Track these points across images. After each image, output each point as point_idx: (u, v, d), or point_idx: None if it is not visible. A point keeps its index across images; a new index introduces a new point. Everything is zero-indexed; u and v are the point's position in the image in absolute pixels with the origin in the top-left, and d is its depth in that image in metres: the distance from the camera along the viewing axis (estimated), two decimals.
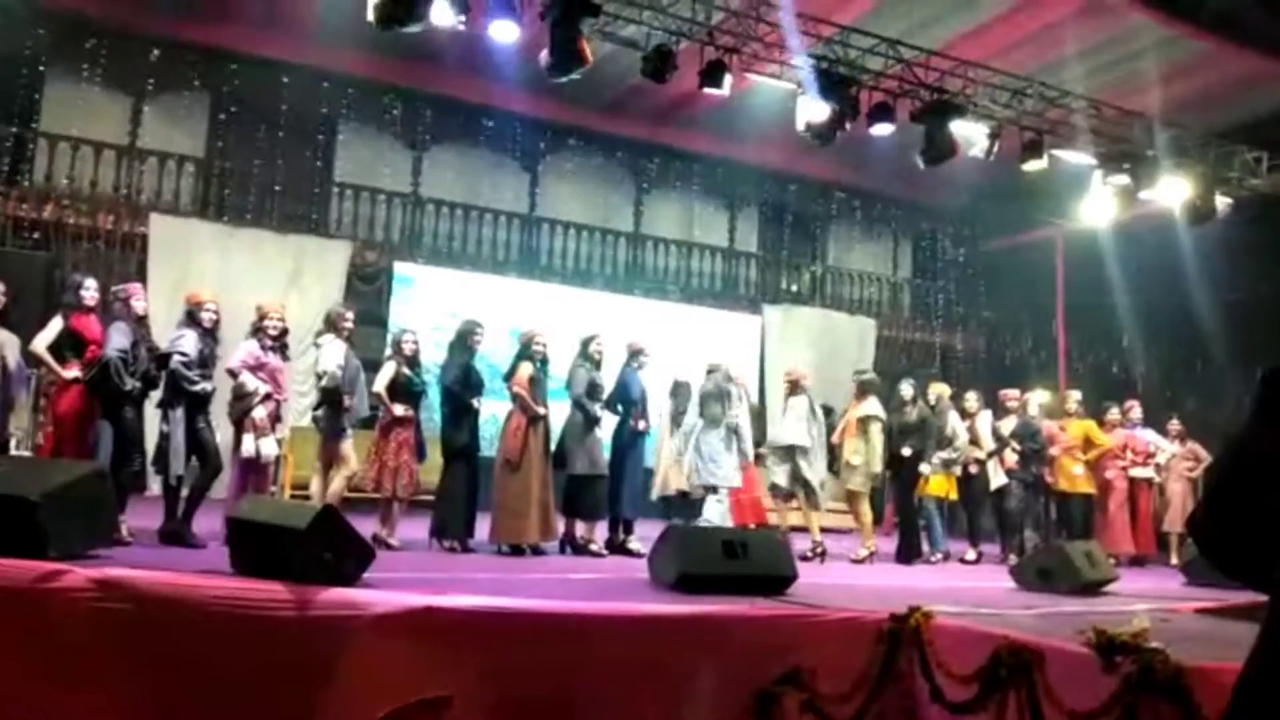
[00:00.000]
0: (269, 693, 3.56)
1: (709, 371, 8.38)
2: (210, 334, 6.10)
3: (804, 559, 6.89)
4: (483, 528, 7.00)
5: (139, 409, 5.89)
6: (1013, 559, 8.15)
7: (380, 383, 7.00)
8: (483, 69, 11.00)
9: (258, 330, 6.44)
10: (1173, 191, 11.14)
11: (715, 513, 8.01)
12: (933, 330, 16.33)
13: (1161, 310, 13.12)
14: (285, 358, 6.60)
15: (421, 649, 3.65)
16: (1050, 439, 9.24)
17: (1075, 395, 10.08)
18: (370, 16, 7.51)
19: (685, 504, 8.84)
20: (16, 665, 3.44)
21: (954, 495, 9.04)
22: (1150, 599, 5.90)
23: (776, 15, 9.31)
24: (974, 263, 16.86)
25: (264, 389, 6.29)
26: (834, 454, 8.56)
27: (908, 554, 8.42)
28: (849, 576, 6.94)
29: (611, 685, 3.86)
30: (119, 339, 5.70)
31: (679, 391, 9.02)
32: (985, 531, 9.22)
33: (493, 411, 8.38)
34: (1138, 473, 9.83)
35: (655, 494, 9.12)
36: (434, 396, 7.69)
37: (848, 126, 9.58)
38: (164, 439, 5.88)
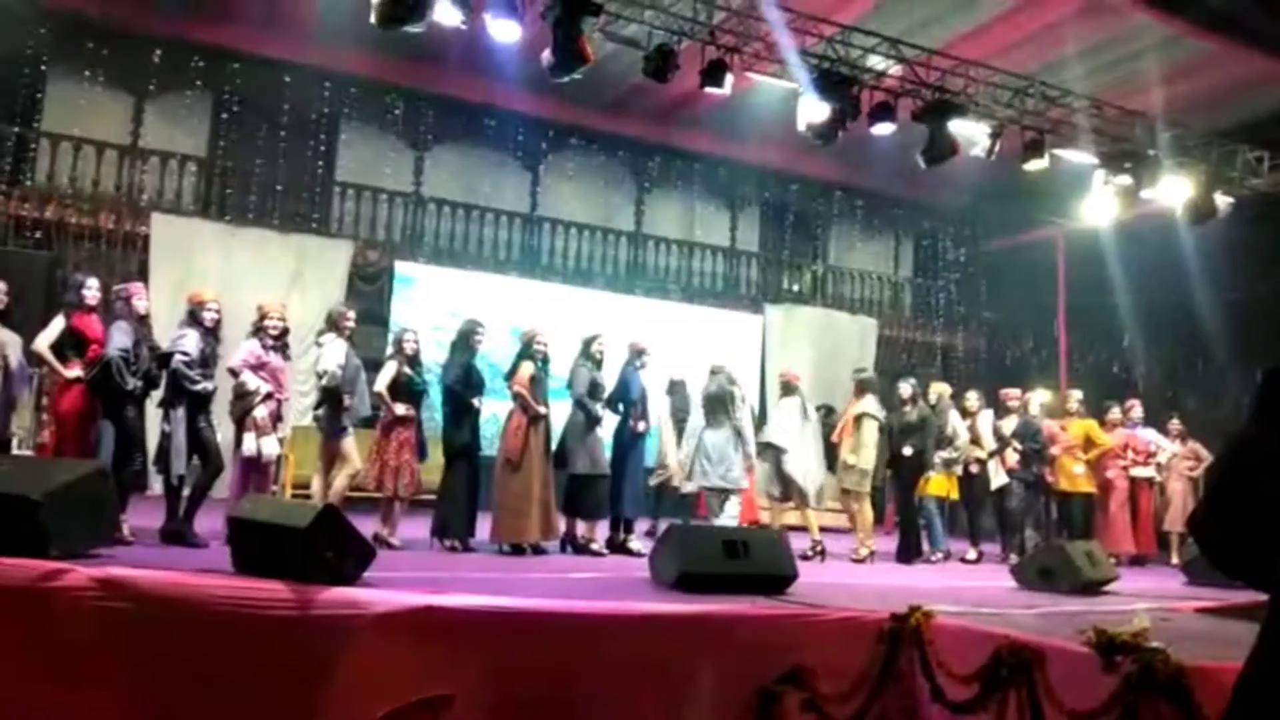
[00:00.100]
0: (270, 692, 3.57)
1: (712, 373, 8.38)
2: (212, 333, 6.10)
3: (804, 558, 6.90)
4: (484, 527, 7.00)
5: (140, 408, 5.89)
6: (1013, 558, 8.15)
7: (382, 382, 7.00)
8: (484, 68, 11.00)
9: (259, 330, 6.45)
10: (1174, 191, 11.14)
11: (732, 515, 8.04)
12: (934, 330, 16.33)
13: (1163, 310, 13.11)
14: (286, 357, 6.60)
15: (422, 648, 3.66)
16: (1051, 438, 9.24)
17: (1076, 395, 10.08)
18: (372, 16, 7.51)
19: (679, 500, 8.90)
20: (17, 664, 3.45)
21: (955, 495, 9.04)
22: (1151, 598, 5.90)
23: (775, 15, 9.31)
24: (975, 262, 16.86)
25: (265, 388, 6.29)
26: (834, 453, 8.58)
27: (908, 553, 8.42)
28: (849, 576, 6.94)
29: (612, 684, 3.86)
30: (121, 338, 5.71)
31: (675, 390, 9.03)
32: (986, 531, 9.22)
33: (494, 411, 8.39)
34: (1138, 472, 9.83)
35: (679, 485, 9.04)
36: (435, 396, 7.70)
37: (849, 126, 9.58)
38: (165, 438, 5.89)
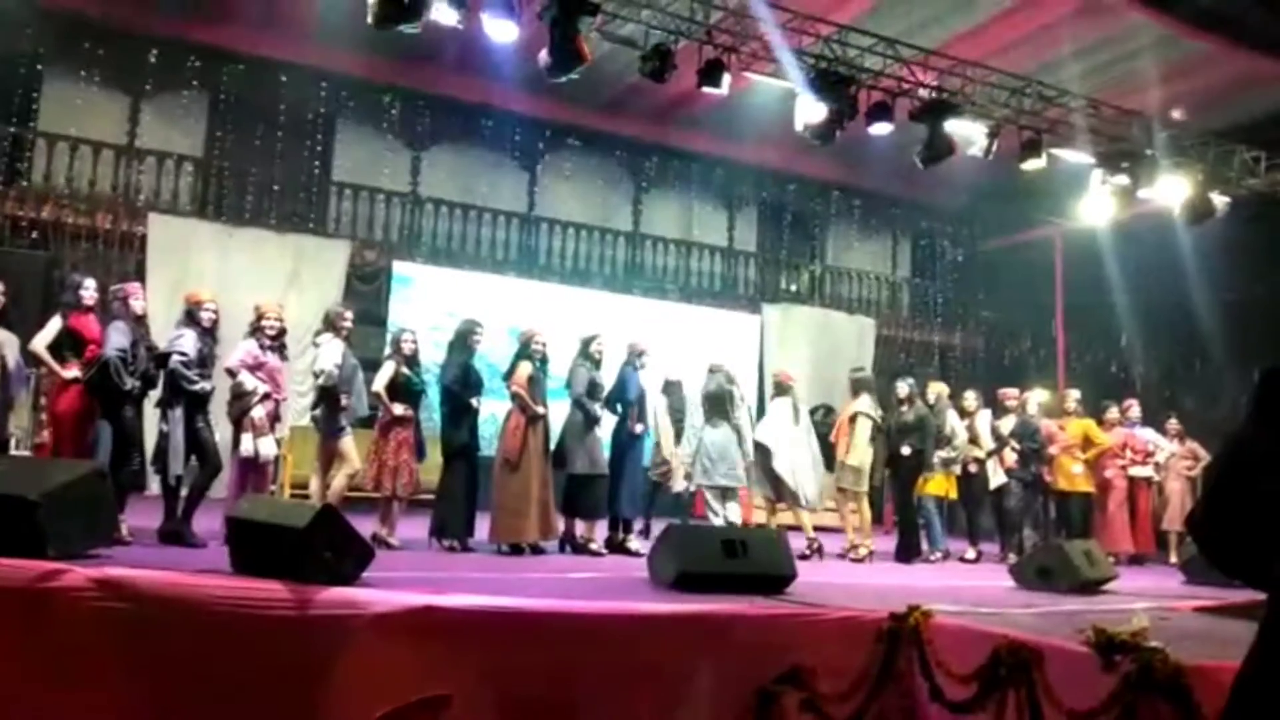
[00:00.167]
0: (269, 692, 3.56)
1: (710, 371, 8.40)
2: (209, 333, 6.10)
3: (802, 557, 6.90)
4: (482, 527, 7.00)
5: (138, 408, 5.89)
6: (1012, 558, 8.16)
7: (379, 382, 7.00)
8: (481, 68, 11.00)
9: (256, 330, 6.44)
10: (1171, 191, 11.15)
11: (735, 513, 8.07)
12: (932, 329, 16.34)
13: (1160, 309, 13.13)
14: (284, 357, 6.60)
15: (421, 648, 3.66)
16: (1049, 438, 9.25)
17: (1074, 394, 10.09)
18: (369, 16, 7.51)
19: (674, 499, 8.93)
20: (16, 665, 3.44)
21: (953, 494, 9.04)
22: (1149, 598, 5.90)
23: (772, 15, 9.31)
24: (973, 262, 16.88)
25: (262, 388, 6.29)
26: (833, 453, 8.59)
27: (907, 553, 8.43)
28: (848, 576, 6.95)
29: (611, 684, 3.86)
30: (118, 338, 5.70)
31: (671, 390, 9.03)
32: (984, 530, 9.22)
33: (492, 411, 8.39)
34: (1137, 471, 9.83)
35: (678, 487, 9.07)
36: (433, 396, 7.69)
37: (846, 126, 9.58)
38: (163, 438, 5.88)
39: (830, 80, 9.39)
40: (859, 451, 8.21)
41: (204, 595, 3.68)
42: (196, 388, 5.91)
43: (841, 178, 15.31)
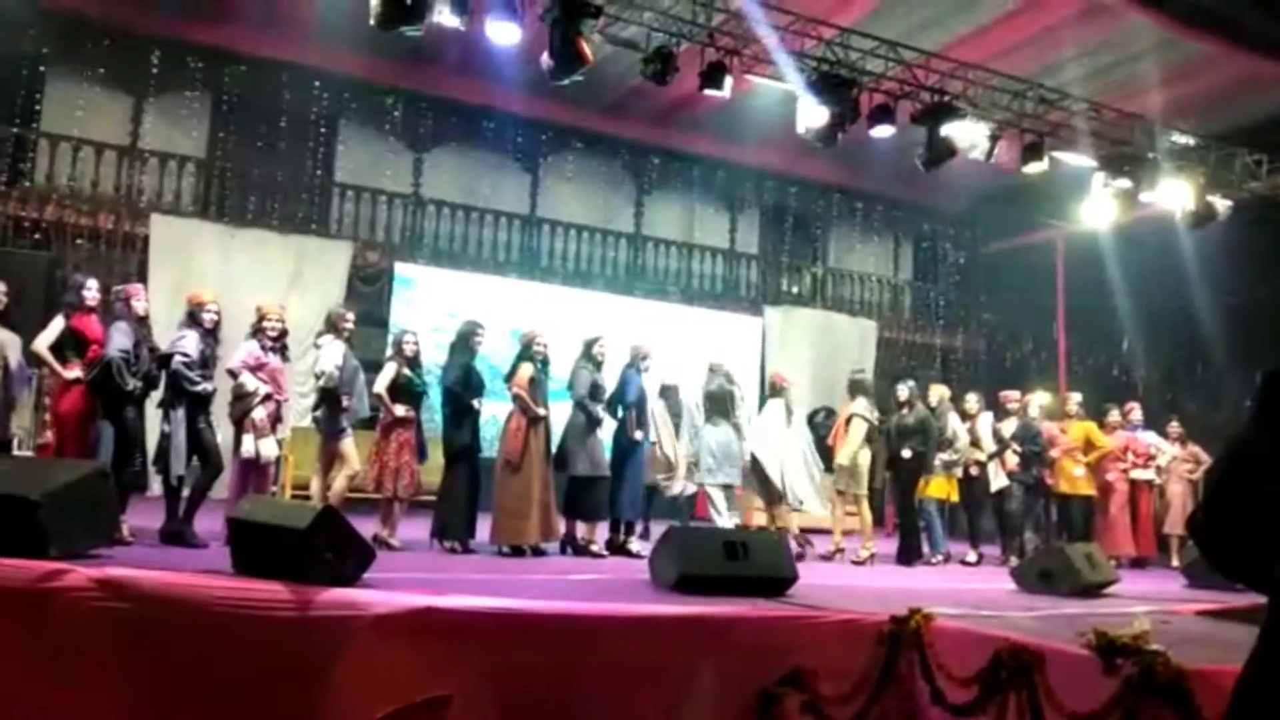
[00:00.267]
0: (269, 693, 3.56)
1: (711, 371, 8.43)
2: (211, 334, 6.10)
3: (799, 558, 6.90)
4: (484, 528, 7.00)
5: (140, 409, 5.89)
6: (1013, 561, 8.16)
7: (381, 383, 7.00)
8: (483, 70, 11.02)
9: (258, 331, 6.45)
10: (1173, 194, 11.15)
11: (735, 512, 8.11)
12: (933, 332, 16.33)
13: (1162, 313, 13.12)
14: (285, 358, 6.60)
15: (422, 649, 3.66)
16: (1051, 441, 9.25)
17: (1076, 397, 10.08)
18: (371, 18, 7.51)
19: (671, 501, 8.96)
20: (17, 665, 3.45)
21: (954, 497, 9.04)
22: (1151, 601, 5.91)
23: (774, 18, 9.32)
24: (975, 265, 16.87)
25: (264, 389, 6.29)
26: (831, 455, 8.62)
27: (908, 555, 8.43)
28: (849, 578, 6.94)
29: (612, 686, 3.86)
30: (121, 339, 5.70)
31: (667, 394, 9.03)
32: (986, 533, 9.21)
33: (494, 412, 8.39)
34: (1138, 475, 9.82)
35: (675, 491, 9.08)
36: (435, 397, 7.69)
37: (848, 129, 9.58)
38: (165, 439, 5.89)
39: (832, 83, 9.39)
40: (849, 451, 8.23)
41: (205, 596, 3.68)
42: (198, 388, 5.91)
43: (843, 180, 15.31)
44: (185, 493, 5.95)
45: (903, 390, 8.68)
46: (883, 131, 10.02)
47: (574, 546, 7.18)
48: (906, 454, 8.44)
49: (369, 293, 12.46)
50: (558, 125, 13.80)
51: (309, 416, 7.46)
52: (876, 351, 15.18)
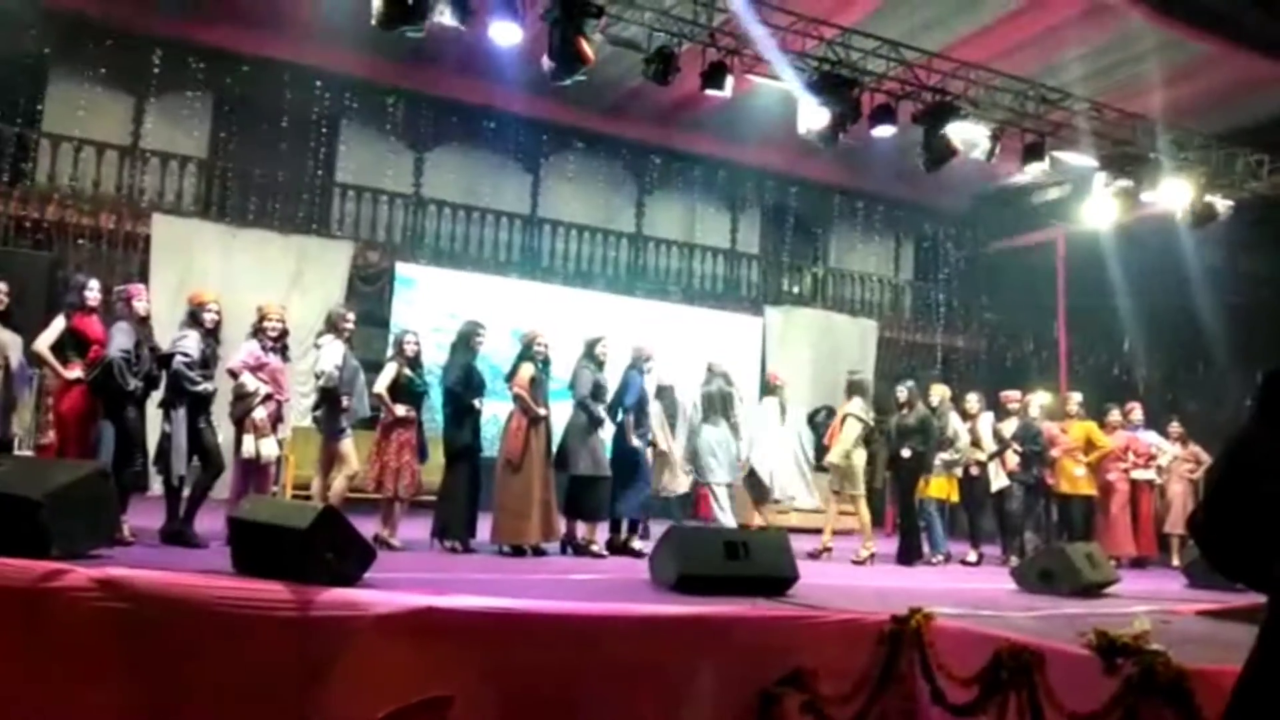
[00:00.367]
0: (270, 693, 3.57)
1: (710, 372, 8.45)
2: (212, 334, 6.10)
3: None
4: (484, 528, 7.00)
5: (141, 409, 5.89)
6: (1014, 561, 8.15)
7: (382, 383, 7.00)
8: (484, 70, 11.01)
9: (258, 331, 6.45)
10: (1174, 194, 11.14)
11: (728, 510, 8.12)
12: (934, 332, 16.32)
13: (1163, 312, 13.12)
14: (286, 358, 6.60)
15: (422, 649, 3.66)
16: (1051, 441, 9.24)
17: (1076, 397, 10.07)
18: (373, 18, 7.51)
19: (670, 500, 9.01)
20: (18, 665, 3.45)
21: (955, 497, 9.04)
22: (1151, 601, 5.91)
23: (775, 18, 9.32)
24: (975, 264, 16.86)
25: (264, 389, 6.29)
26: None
27: (909, 555, 8.43)
28: (850, 578, 6.94)
29: (612, 686, 3.87)
30: (122, 339, 5.70)
31: (663, 395, 9.03)
32: (986, 533, 9.21)
33: (494, 412, 8.39)
34: (1139, 475, 9.82)
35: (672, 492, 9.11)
36: (436, 397, 7.69)
37: (849, 128, 9.58)
38: (165, 439, 5.89)
39: (833, 83, 9.39)
40: (841, 450, 8.24)
41: (206, 596, 3.68)
42: (199, 388, 5.91)
43: (844, 180, 15.31)
44: (186, 493, 5.95)
45: (902, 391, 8.69)
46: (884, 131, 10.02)
47: (574, 546, 7.18)
48: (906, 453, 8.44)
49: (370, 293, 12.47)
50: (559, 125, 13.80)
51: (310, 416, 7.46)
52: (877, 351, 15.17)
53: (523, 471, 6.82)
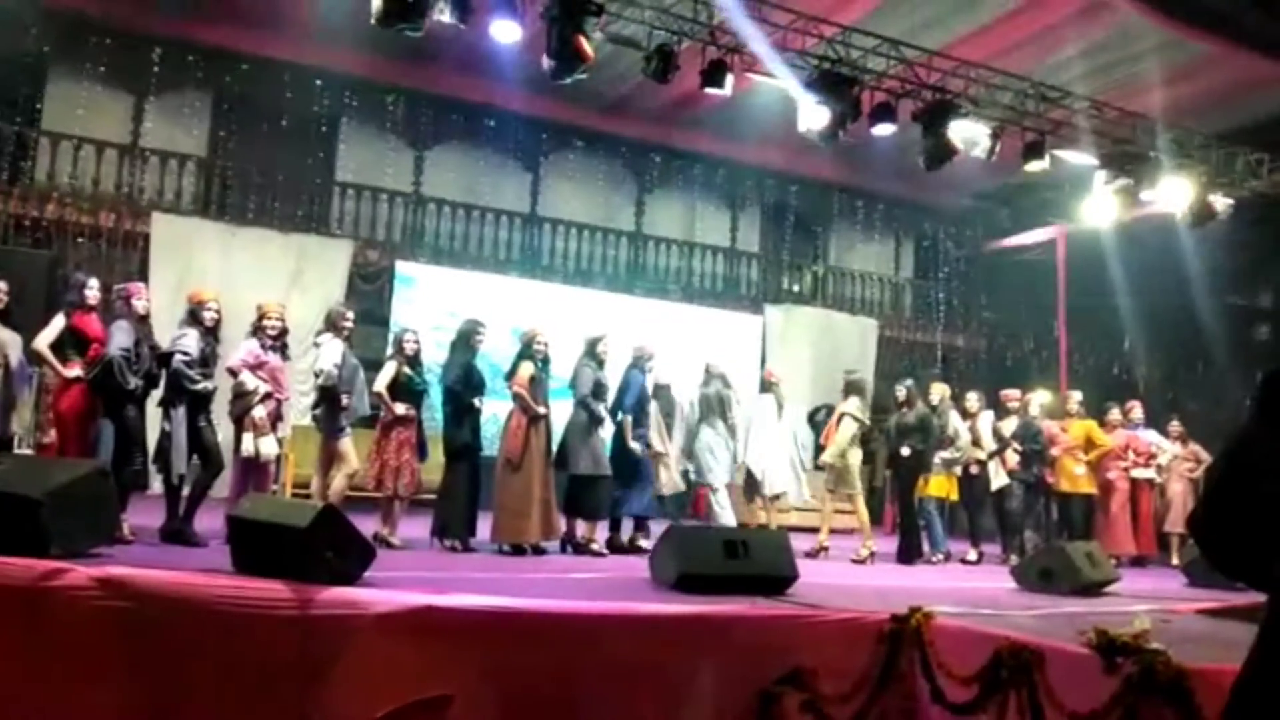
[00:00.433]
0: (269, 691, 3.57)
1: (708, 374, 8.47)
2: (212, 333, 6.10)
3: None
4: (484, 527, 7.00)
5: (141, 408, 5.88)
6: (1014, 559, 8.15)
7: (381, 382, 7.00)
8: (484, 69, 11.01)
9: (258, 329, 6.44)
10: (1174, 193, 11.14)
11: (728, 509, 8.12)
12: (934, 330, 16.33)
13: (1163, 311, 13.13)
14: (285, 357, 6.59)
15: (422, 648, 3.66)
16: (1051, 439, 9.24)
17: (1076, 396, 10.07)
18: (372, 16, 7.51)
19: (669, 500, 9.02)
20: (18, 664, 3.45)
21: (955, 496, 9.05)
22: (1151, 600, 5.91)
23: (775, 16, 9.32)
24: (976, 263, 16.86)
25: (264, 388, 6.29)
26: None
27: (909, 554, 8.43)
28: (849, 577, 6.94)
29: (612, 685, 3.87)
30: (122, 338, 5.70)
31: (659, 394, 9.03)
32: (986, 532, 9.21)
33: (494, 411, 8.39)
34: (1139, 473, 9.81)
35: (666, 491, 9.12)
36: (435, 396, 7.69)
37: (849, 127, 9.58)
38: (165, 438, 5.88)
39: (833, 81, 9.39)
40: (836, 449, 8.26)
41: (206, 594, 3.68)
42: (199, 387, 5.91)
43: (844, 178, 15.30)
44: (186, 491, 5.95)
45: (901, 390, 8.69)
46: (884, 130, 10.03)
47: (574, 545, 7.18)
48: (906, 452, 8.44)
49: (370, 291, 12.47)
50: (559, 123, 13.80)
51: (309, 415, 7.47)
52: (877, 350, 15.18)
53: (522, 470, 6.82)
